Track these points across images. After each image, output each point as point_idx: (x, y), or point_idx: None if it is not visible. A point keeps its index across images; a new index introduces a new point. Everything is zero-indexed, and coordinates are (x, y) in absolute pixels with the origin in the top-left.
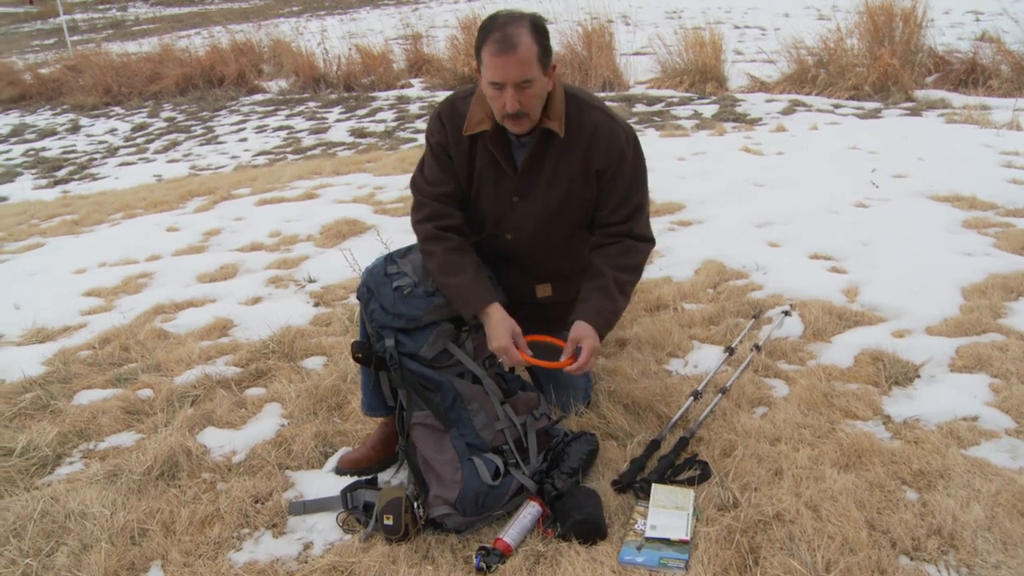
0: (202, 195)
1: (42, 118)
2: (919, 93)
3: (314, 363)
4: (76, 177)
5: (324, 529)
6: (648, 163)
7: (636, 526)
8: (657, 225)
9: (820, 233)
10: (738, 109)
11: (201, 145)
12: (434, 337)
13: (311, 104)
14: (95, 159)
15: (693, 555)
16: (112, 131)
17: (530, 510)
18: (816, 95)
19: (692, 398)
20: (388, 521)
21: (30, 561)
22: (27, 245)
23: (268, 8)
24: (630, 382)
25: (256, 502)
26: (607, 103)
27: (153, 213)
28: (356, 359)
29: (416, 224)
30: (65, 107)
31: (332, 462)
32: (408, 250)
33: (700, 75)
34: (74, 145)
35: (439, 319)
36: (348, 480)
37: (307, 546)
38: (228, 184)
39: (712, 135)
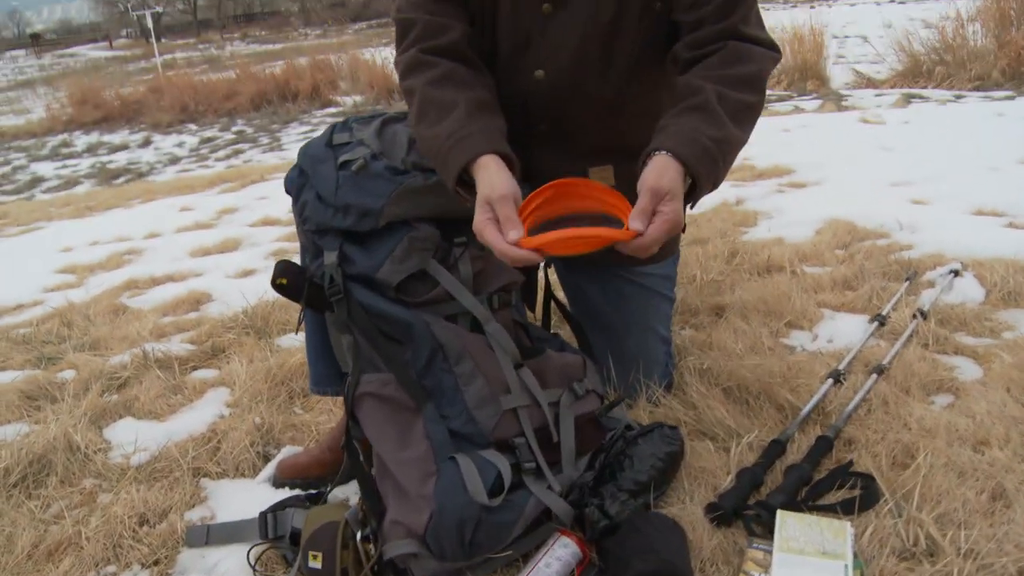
0: (232, 180)
1: (118, 136)
2: None
3: (291, 341)
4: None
5: (228, 571)
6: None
7: None
8: (757, 188)
9: (981, 188)
10: (844, 103)
11: (264, 153)
12: (404, 248)
13: None
14: (156, 168)
15: None
16: (180, 144)
17: (560, 552)
18: (933, 88)
19: (831, 381)
20: (315, 563)
21: None
22: (27, 228)
23: (359, 42)
24: (732, 359)
25: (142, 524)
26: None
27: (173, 196)
28: (278, 287)
29: (397, 59)
30: (143, 126)
31: (271, 469)
32: (374, 117)
33: (800, 73)
34: (140, 157)
35: (412, 215)
36: (288, 495)
37: None
38: (264, 170)
39: (821, 110)
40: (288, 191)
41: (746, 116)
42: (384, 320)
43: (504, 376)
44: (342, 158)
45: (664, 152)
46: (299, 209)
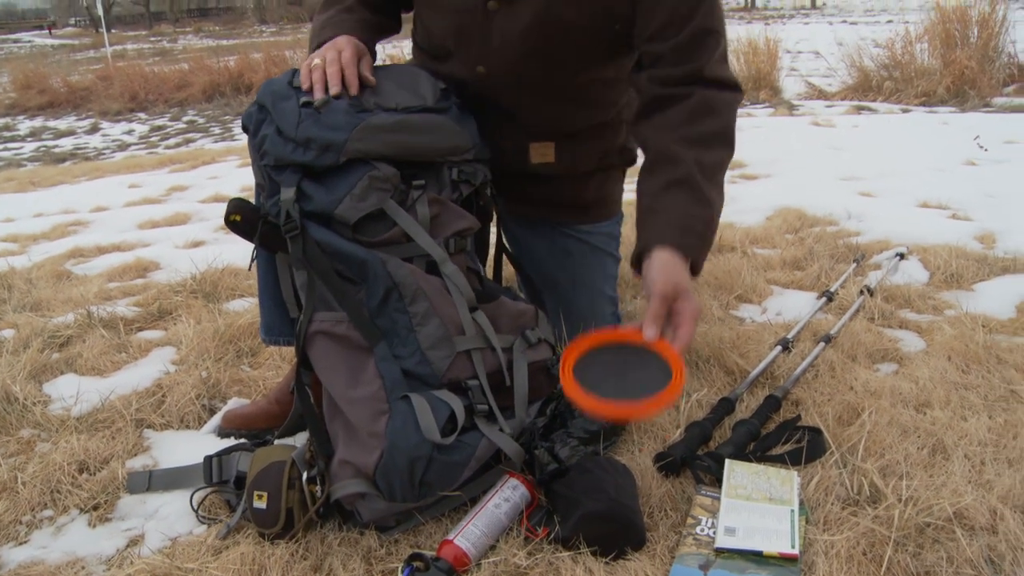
0: (183, 161)
1: (64, 122)
2: (999, 100)
3: (240, 305)
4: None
5: (169, 515)
6: None
7: (698, 529)
8: None
9: (928, 185)
10: (795, 112)
11: (215, 143)
12: (364, 186)
13: None
14: (104, 153)
15: None
16: (129, 132)
17: (509, 494)
18: (882, 102)
19: (780, 348)
20: (260, 503)
21: None
22: None
23: None
24: None
25: (81, 471)
26: None
27: (122, 174)
28: (231, 224)
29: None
30: (90, 113)
31: (217, 420)
32: None
33: (753, 82)
34: (87, 143)
35: (374, 152)
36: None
37: (133, 541)
38: (216, 153)
39: (773, 115)
40: (245, 127)
41: (722, 172)
42: (339, 258)
43: (459, 317)
44: (304, 98)
45: (665, 247)
46: (257, 144)
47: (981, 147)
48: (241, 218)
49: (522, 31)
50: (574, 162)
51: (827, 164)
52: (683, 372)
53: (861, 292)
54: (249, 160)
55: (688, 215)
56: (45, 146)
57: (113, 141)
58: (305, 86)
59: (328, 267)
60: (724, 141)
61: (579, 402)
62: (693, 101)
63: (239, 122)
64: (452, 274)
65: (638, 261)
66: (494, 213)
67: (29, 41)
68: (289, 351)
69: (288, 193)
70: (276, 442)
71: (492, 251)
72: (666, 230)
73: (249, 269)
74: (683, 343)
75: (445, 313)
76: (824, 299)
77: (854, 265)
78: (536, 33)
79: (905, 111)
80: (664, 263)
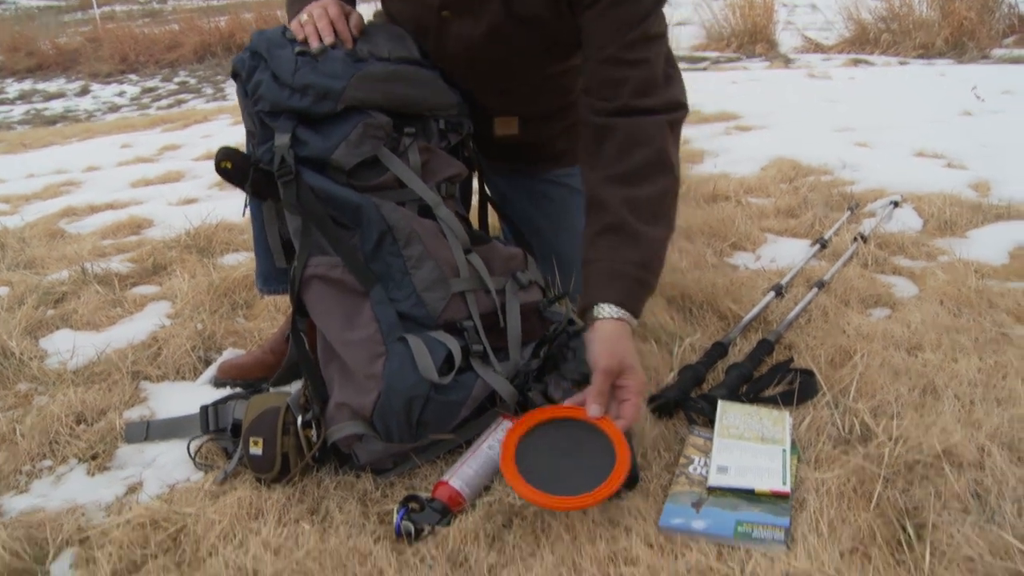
0: (175, 121)
1: (54, 84)
2: (997, 51)
3: (235, 259)
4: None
5: (167, 464)
6: (694, 87)
7: (690, 468)
8: (706, 130)
9: (924, 136)
10: (792, 67)
11: (208, 103)
12: (359, 133)
13: None
14: (95, 116)
15: (798, 518)
16: (120, 94)
17: (502, 435)
18: (879, 54)
19: (773, 293)
20: (255, 448)
21: None
22: None
23: None
24: (676, 273)
25: (79, 423)
26: None
27: (114, 135)
28: (222, 171)
29: None
30: (80, 75)
31: (212, 371)
32: None
33: (749, 36)
34: (78, 105)
35: (370, 101)
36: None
37: (132, 489)
38: (208, 111)
39: (769, 68)
40: (236, 73)
41: (662, 203)
42: (333, 203)
43: (454, 259)
44: (299, 47)
45: (602, 312)
46: (252, 88)
47: (978, 97)
48: (232, 165)
49: (476, 40)
50: (537, 134)
51: (823, 116)
52: (627, 458)
53: (855, 239)
54: (241, 119)
55: (621, 260)
56: (35, 109)
57: (104, 103)
58: (300, 37)
59: (323, 212)
60: (659, 168)
61: (518, 491)
62: (622, 134)
63: (231, 82)
64: (446, 217)
65: (583, 313)
66: (476, 166)
67: (13, 3)
68: (283, 303)
69: (283, 139)
70: (271, 390)
71: (475, 202)
72: (602, 282)
73: (243, 216)
74: (627, 422)
75: (440, 255)
76: (818, 246)
77: (848, 213)
78: (490, 42)
79: (902, 63)
80: (607, 336)
